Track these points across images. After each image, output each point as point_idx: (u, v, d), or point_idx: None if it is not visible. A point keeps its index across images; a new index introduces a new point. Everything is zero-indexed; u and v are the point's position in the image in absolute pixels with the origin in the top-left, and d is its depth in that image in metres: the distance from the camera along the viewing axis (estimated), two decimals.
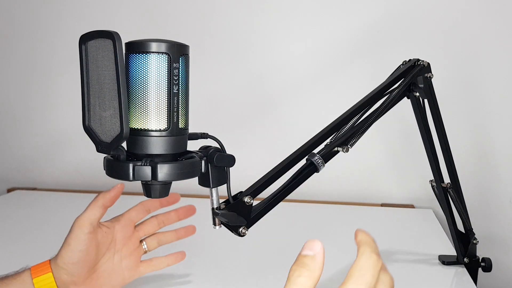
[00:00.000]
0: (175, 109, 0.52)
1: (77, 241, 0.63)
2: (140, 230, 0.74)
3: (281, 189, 0.63)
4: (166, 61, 0.51)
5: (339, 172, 1.35)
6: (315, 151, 0.66)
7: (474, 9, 1.23)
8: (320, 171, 0.65)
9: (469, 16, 1.24)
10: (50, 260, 0.66)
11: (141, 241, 0.74)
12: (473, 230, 0.88)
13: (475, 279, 0.88)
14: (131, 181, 0.52)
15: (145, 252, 0.74)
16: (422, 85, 0.78)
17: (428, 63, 0.79)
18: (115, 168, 0.52)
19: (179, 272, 0.88)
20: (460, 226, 0.88)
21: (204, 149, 0.59)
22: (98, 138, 0.53)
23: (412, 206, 1.33)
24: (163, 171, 0.52)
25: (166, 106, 0.52)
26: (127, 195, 1.44)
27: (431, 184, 0.89)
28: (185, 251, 1.00)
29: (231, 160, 0.58)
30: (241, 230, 0.60)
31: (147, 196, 0.56)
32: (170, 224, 0.77)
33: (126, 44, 0.52)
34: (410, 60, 0.80)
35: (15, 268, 0.90)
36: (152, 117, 0.52)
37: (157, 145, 0.52)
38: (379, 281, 0.39)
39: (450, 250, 0.96)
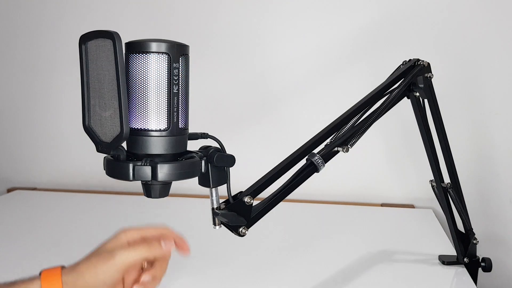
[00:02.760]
0: (175, 109, 0.52)
1: (95, 277, 0.56)
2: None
3: (281, 189, 0.63)
4: (166, 61, 0.51)
5: (339, 172, 1.35)
6: (315, 151, 0.66)
7: (475, 10, 1.23)
8: (320, 171, 0.65)
9: (469, 16, 1.24)
10: (62, 267, 0.58)
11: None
12: (473, 230, 0.88)
13: (475, 279, 0.88)
14: (131, 181, 0.52)
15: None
16: (422, 85, 0.78)
17: (428, 63, 0.79)
18: (115, 168, 0.52)
19: (179, 272, 0.88)
20: (460, 226, 0.88)
21: (204, 149, 0.59)
22: (98, 138, 0.53)
23: (412, 206, 1.33)
24: (163, 171, 0.52)
25: (166, 106, 0.52)
26: (127, 195, 1.44)
27: (431, 184, 0.89)
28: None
29: (231, 160, 0.58)
30: (241, 230, 0.60)
31: (147, 196, 0.56)
32: None
33: (126, 44, 0.51)
34: (410, 60, 0.80)
35: (15, 268, 0.90)
36: (152, 117, 0.52)
37: (157, 145, 0.52)
38: None
39: (450, 250, 0.96)
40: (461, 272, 0.88)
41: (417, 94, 0.78)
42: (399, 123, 1.30)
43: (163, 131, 0.52)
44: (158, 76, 0.51)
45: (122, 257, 0.55)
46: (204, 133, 0.59)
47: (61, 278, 0.55)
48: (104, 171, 0.54)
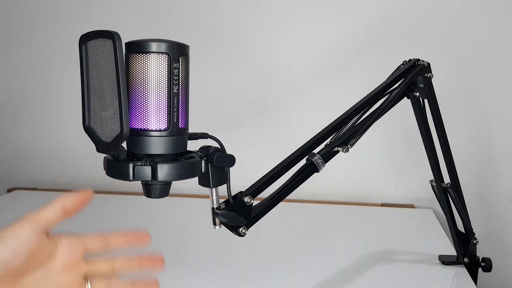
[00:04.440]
0: (175, 109, 0.52)
1: (15, 238, 0.48)
2: (90, 264, 0.55)
3: (281, 189, 0.63)
4: (166, 61, 0.51)
5: (339, 172, 1.35)
6: (315, 151, 0.66)
7: (474, 10, 1.23)
8: (320, 171, 0.65)
9: (469, 16, 1.24)
10: None
11: (86, 278, 0.55)
12: (473, 230, 0.88)
13: (475, 279, 0.88)
14: (131, 181, 0.52)
15: None
16: (422, 85, 0.78)
17: (428, 63, 0.79)
18: (115, 168, 0.52)
19: (179, 272, 0.88)
20: (460, 226, 0.88)
21: (204, 149, 0.59)
22: (98, 138, 0.53)
23: (412, 206, 1.33)
24: (163, 171, 0.52)
25: (166, 106, 0.52)
26: (127, 195, 1.44)
27: (431, 184, 0.89)
28: (184, 251, 1.00)
29: (231, 160, 0.58)
30: (241, 230, 0.60)
31: (147, 196, 0.56)
32: (128, 272, 0.58)
33: (126, 44, 0.51)
34: (410, 60, 0.80)
35: None
36: (152, 117, 0.52)
37: (157, 145, 0.52)
38: None
39: (450, 250, 0.96)
40: (461, 272, 0.88)
41: (417, 94, 0.78)
42: (399, 123, 1.30)
43: (163, 131, 0.52)
44: (158, 76, 0.51)
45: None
46: (204, 133, 0.59)
47: None
48: (104, 171, 0.54)
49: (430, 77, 0.79)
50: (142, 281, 0.59)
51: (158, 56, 0.51)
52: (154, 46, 0.51)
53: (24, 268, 0.49)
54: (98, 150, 0.53)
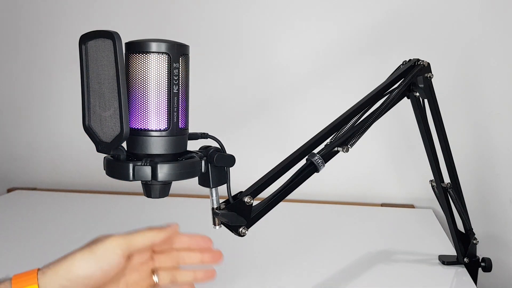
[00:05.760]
0: (175, 109, 0.52)
1: (107, 261, 0.51)
2: (156, 259, 0.61)
3: (281, 189, 0.63)
4: (166, 61, 0.51)
5: (339, 172, 1.35)
6: (315, 151, 0.66)
7: (474, 9, 1.23)
8: (320, 171, 0.65)
9: (469, 16, 1.24)
10: (39, 269, 0.53)
11: (153, 271, 0.61)
12: (473, 230, 0.88)
13: (475, 279, 0.88)
14: (131, 181, 0.52)
15: (155, 285, 0.61)
16: (422, 85, 0.78)
17: (428, 63, 0.79)
18: (115, 168, 0.52)
19: None
20: (460, 226, 0.88)
21: (204, 149, 0.59)
22: (98, 138, 0.53)
23: (412, 206, 1.33)
24: (163, 171, 0.52)
25: (166, 106, 0.52)
26: (127, 195, 1.44)
27: (431, 184, 0.89)
28: None
29: (231, 160, 0.58)
30: (241, 230, 0.60)
31: (147, 196, 0.56)
32: (190, 265, 0.64)
33: (126, 44, 0.52)
34: (410, 60, 0.80)
35: (15, 268, 0.90)
36: (152, 117, 0.52)
37: (157, 145, 0.52)
38: None
39: (450, 250, 0.96)
40: (461, 272, 0.88)
41: (417, 94, 0.78)
42: (399, 123, 1.30)
43: (163, 131, 0.52)
44: (158, 76, 0.51)
45: (104, 245, 0.52)
46: (204, 133, 0.59)
47: (37, 281, 0.50)
48: (104, 171, 0.54)
49: (430, 77, 0.79)
50: (202, 270, 0.64)
51: (158, 56, 0.51)
52: (154, 46, 0.51)
53: (106, 282, 0.54)
54: (98, 150, 0.53)
